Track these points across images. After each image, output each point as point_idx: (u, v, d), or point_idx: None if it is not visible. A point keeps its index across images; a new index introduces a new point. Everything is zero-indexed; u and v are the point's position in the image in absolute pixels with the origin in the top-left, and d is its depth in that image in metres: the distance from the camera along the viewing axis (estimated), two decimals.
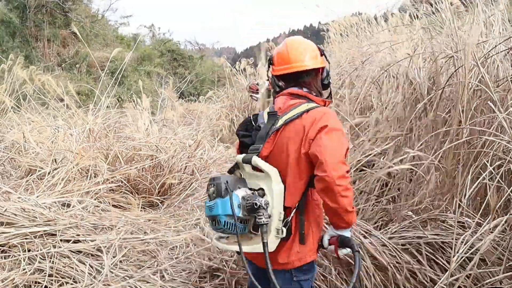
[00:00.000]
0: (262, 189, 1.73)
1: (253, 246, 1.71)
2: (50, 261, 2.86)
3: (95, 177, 4.30)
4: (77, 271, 2.85)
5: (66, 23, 14.19)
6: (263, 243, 1.65)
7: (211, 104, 10.11)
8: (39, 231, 3.10)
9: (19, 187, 4.08)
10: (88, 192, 4.04)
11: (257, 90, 5.94)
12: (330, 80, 1.97)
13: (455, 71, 3.11)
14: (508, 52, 3.01)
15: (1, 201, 3.32)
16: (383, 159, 3.25)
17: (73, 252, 3.02)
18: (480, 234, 2.28)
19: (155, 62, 17.77)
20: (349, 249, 1.74)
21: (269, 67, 2.00)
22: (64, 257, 2.95)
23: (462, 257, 2.25)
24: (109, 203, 4.12)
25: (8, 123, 5.85)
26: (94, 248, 3.11)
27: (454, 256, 2.18)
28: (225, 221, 1.64)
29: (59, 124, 5.43)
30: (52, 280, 2.75)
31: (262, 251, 1.66)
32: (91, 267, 2.93)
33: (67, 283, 2.77)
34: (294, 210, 1.74)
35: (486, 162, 2.57)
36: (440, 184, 2.99)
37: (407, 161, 2.95)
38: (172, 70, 18.76)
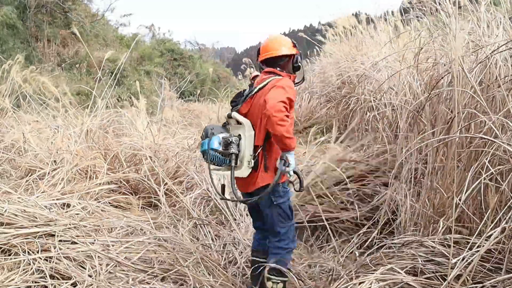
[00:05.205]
0: (239, 135, 2.53)
1: (236, 172, 2.50)
2: (50, 262, 2.85)
3: (95, 178, 4.29)
4: (77, 272, 2.84)
5: (66, 23, 14.16)
6: (231, 166, 2.47)
7: (211, 104, 10.10)
8: (38, 232, 3.10)
9: (19, 188, 4.07)
10: (88, 192, 4.03)
11: None
12: (300, 64, 2.68)
13: (444, 76, 3.11)
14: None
15: (1, 202, 3.31)
16: None
17: (73, 252, 3.01)
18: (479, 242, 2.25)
19: (155, 61, 17.74)
20: (289, 168, 2.40)
21: (257, 56, 2.71)
22: (64, 258, 2.94)
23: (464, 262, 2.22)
24: (109, 203, 4.11)
25: (8, 123, 5.84)
26: (94, 249, 3.10)
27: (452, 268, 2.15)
28: (210, 154, 2.43)
29: (58, 124, 5.41)
30: (52, 280, 2.74)
31: (242, 175, 2.51)
32: (92, 268, 2.92)
33: (67, 283, 2.76)
34: (261, 148, 2.51)
35: (487, 163, 2.55)
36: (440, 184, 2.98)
37: None
38: (172, 70, 18.73)
